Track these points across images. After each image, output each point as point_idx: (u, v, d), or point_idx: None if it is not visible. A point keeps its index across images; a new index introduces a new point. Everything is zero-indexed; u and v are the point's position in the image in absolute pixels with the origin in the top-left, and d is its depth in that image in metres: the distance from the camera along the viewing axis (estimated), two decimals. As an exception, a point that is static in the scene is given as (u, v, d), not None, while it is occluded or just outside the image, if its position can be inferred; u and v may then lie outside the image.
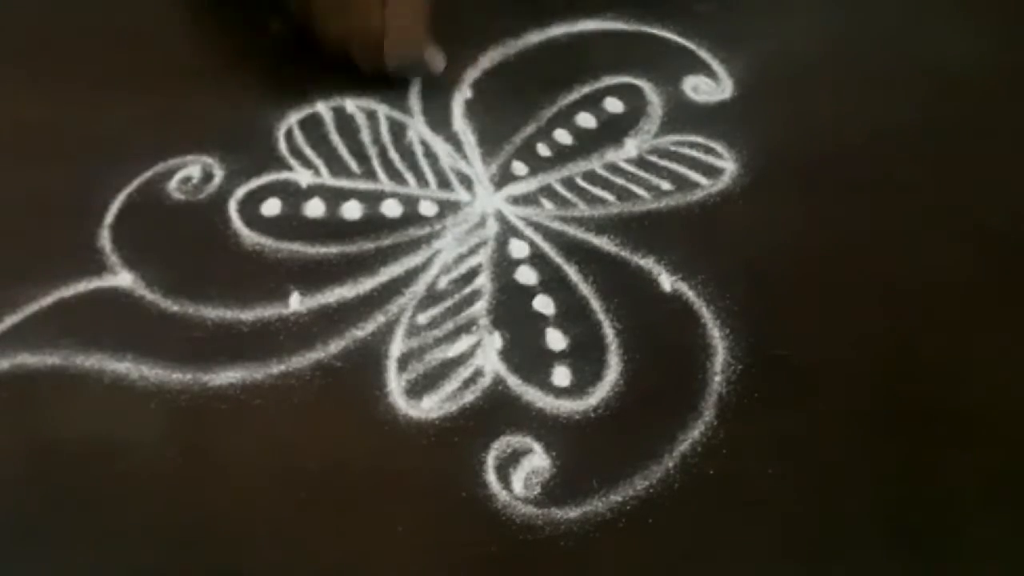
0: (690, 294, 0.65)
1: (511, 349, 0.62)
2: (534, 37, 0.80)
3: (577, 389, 0.60)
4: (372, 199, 0.70)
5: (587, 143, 0.73)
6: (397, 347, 0.62)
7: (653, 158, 0.73)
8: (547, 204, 0.70)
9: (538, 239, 0.68)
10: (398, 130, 0.74)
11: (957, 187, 0.72)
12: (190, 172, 0.70)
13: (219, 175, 0.70)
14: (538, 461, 0.57)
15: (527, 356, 0.62)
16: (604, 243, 0.67)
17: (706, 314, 0.64)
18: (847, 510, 0.56)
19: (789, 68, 0.79)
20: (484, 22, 0.80)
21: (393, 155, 0.73)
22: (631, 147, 0.73)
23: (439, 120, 0.75)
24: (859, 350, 0.62)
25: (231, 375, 0.60)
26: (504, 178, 0.72)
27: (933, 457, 0.58)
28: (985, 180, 0.72)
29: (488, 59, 0.78)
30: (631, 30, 0.81)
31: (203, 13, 0.80)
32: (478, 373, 0.61)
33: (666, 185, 0.71)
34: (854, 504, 0.56)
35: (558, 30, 0.81)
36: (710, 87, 0.77)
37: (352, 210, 0.69)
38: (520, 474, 0.57)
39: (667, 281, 0.65)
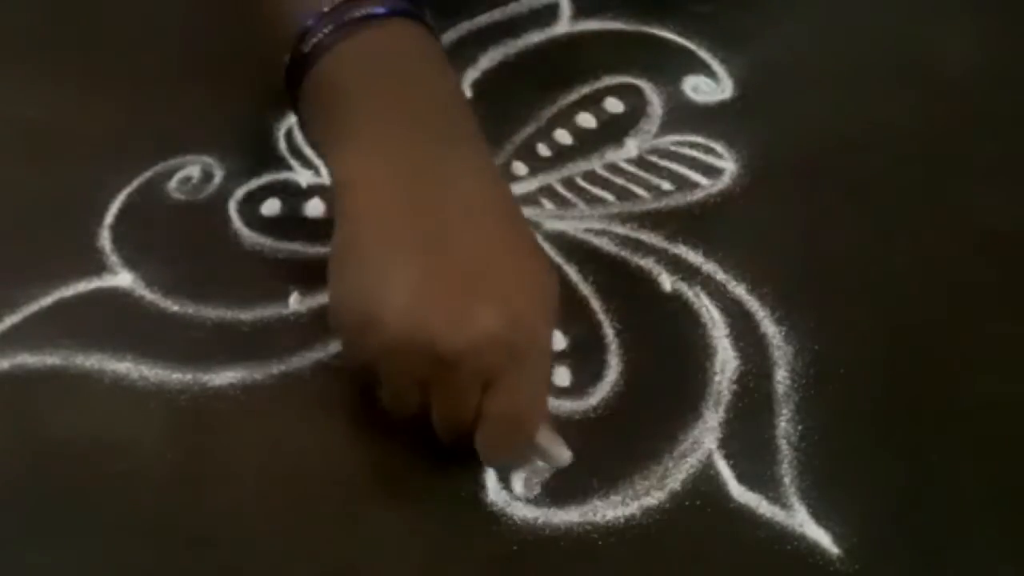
0: (690, 294, 0.65)
1: (511, 349, 0.62)
2: (534, 37, 0.80)
3: (577, 389, 0.60)
4: (372, 199, 0.70)
5: (587, 143, 0.73)
6: (397, 347, 0.62)
7: (653, 158, 0.72)
8: (547, 204, 0.70)
9: (538, 239, 0.68)
10: (398, 130, 0.74)
11: (956, 187, 0.72)
12: (190, 172, 0.70)
13: (219, 175, 0.70)
14: (538, 461, 0.57)
15: (527, 356, 0.62)
16: (604, 243, 0.67)
17: (706, 314, 0.64)
18: (847, 510, 0.55)
19: (789, 68, 0.79)
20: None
21: (393, 155, 0.72)
22: (631, 147, 0.73)
23: (439, 120, 0.74)
24: (859, 350, 0.62)
25: (231, 375, 0.60)
26: (504, 178, 0.71)
27: (934, 457, 0.58)
28: (984, 180, 0.72)
29: (488, 59, 0.78)
30: (631, 30, 0.81)
31: (202, 13, 0.80)
32: (478, 373, 0.61)
33: (666, 185, 0.71)
34: (854, 504, 0.56)
35: (558, 30, 0.81)
36: (710, 87, 0.77)
37: (352, 210, 0.69)
38: (520, 474, 0.57)
39: (667, 281, 0.65)
